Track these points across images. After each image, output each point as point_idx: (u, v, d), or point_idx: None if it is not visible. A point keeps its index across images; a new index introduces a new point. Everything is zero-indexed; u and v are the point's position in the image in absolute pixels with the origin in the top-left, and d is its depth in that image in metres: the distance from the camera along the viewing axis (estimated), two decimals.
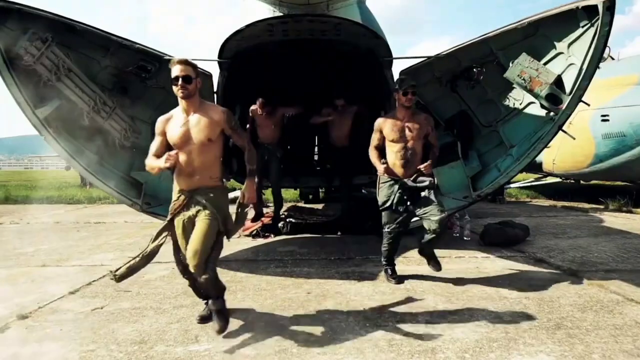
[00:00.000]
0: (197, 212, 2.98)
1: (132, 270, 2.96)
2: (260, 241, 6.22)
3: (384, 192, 4.09)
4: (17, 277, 4.56)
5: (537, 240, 6.05)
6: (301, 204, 10.01)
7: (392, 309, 3.47)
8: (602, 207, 9.44)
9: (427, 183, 3.93)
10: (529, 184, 12.53)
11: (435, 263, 4.19)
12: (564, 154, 9.34)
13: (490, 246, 5.64)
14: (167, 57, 4.96)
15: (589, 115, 8.41)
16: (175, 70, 2.92)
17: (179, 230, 3.05)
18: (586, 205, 9.78)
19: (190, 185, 3.01)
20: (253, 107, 6.48)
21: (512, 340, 2.85)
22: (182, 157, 2.96)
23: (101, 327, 3.16)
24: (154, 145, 3.08)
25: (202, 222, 2.94)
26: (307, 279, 4.35)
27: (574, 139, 5.02)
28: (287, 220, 6.78)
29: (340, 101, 6.45)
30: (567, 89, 4.46)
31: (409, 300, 3.68)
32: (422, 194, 3.95)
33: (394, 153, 4.02)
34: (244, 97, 6.74)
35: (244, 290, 4.02)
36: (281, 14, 4.66)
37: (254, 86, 6.63)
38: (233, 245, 5.92)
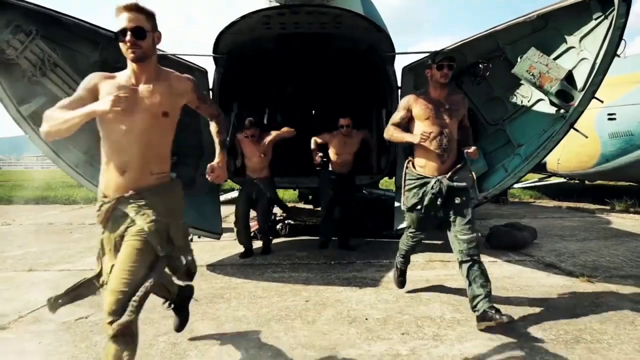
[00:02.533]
0: (127, 227, 2.17)
1: (73, 298, 2.41)
2: (258, 243, 5.99)
3: (414, 192, 3.36)
4: (1, 282, 4.34)
5: (544, 243, 5.82)
6: (300, 205, 9.81)
7: (396, 320, 3.24)
8: (608, 207, 9.22)
9: (466, 183, 3.22)
10: (532, 184, 12.29)
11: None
12: (568, 153, 9.12)
13: (497, 249, 5.42)
14: (160, 53, 4.74)
15: (595, 113, 8.19)
16: (122, 21, 2.09)
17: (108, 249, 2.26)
18: (592, 206, 9.55)
19: (121, 186, 2.18)
20: (239, 135, 5.52)
21: (529, 356, 2.62)
22: (118, 137, 2.14)
23: (83, 340, 2.94)
24: (67, 100, 2.13)
25: (129, 244, 2.14)
26: (305, 285, 4.13)
27: (587, 137, 4.79)
28: (286, 222, 6.56)
29: (346, 120, 5.37)
30: (579, 85, 4.24)
31: (414, 309, 3.45)
32: (456, 200, 3.22)
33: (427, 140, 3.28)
34: (240, 94, 6.51)
35: (238, 297, 3.80)
36: (278, 4, 4.43)
37: (251, 83, 6.40)
38: (229, 248, 5.71)
